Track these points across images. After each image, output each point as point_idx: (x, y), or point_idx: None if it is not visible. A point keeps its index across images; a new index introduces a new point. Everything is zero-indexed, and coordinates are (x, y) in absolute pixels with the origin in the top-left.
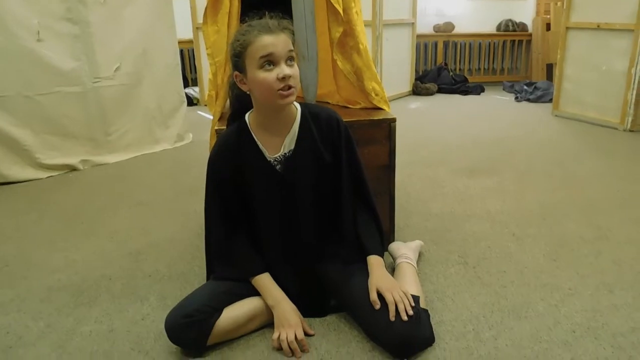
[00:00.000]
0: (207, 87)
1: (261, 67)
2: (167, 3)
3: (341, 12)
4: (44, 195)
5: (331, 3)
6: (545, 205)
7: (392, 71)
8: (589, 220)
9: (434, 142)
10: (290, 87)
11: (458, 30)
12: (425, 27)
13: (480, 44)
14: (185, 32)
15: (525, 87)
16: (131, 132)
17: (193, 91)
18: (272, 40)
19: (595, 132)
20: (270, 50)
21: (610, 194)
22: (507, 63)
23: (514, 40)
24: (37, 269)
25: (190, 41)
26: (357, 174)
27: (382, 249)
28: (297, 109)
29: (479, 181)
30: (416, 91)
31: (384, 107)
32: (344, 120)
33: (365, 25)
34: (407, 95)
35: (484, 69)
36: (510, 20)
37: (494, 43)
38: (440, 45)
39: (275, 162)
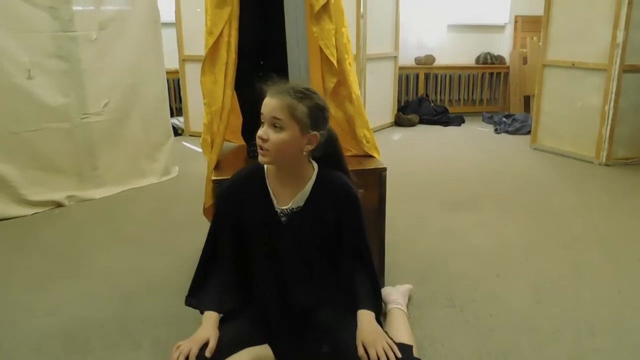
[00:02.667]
0: (202, 130)
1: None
2: (156, 37)
3: (335, 63)
4: (29, 233)
5: (325, 55)
6: (527, 241)
7: (375, 103)
8: (569, 256)
9: (418, 174)
10: (262, 149)
11: (439, 62)
12: (407, 59)
13: (460, 75)
14: (171, 62)
15: (504, 119)
16: (118, 166)
17: (178, 121)
18: (266, 101)
19: (571, 166)
20: (262, 111)
21: (587, 229)
22: (486, 94)
23: (492, 73)
24: (25, 312)
25: (176, 71)
26: (361, 240)
27: (375, 305)
28: (314, 169)
29: (463, 216)
30: (399, 122)
31: (375, 154)
32: None
33: None
34: (389, 126)
35: (464, 99)
36: (489, 53)
37: (473, 75)
38: (422, 77)
39: (282, 214)
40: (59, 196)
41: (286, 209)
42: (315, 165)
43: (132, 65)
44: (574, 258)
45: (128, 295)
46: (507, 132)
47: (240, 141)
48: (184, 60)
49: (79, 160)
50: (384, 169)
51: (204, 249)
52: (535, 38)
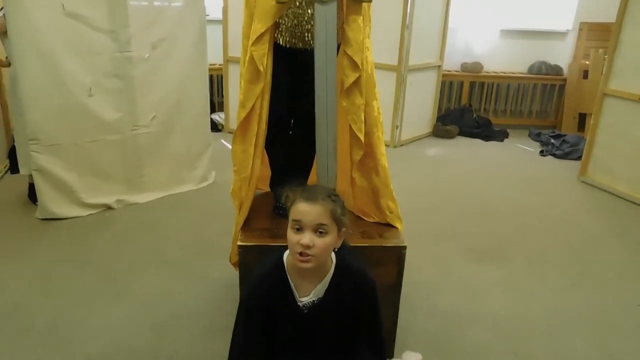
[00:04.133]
0: (234, 175)
1: (292, 226)
2: (201, 57)
3: (362, 138)
4: (84, 237)
5: (353, 130)
6: (554, 311)
7: (413, 113)
8: (600, 341)
9: (446, 205)
10: (307, 255)
11: (487, 69)
12: (452, 64)
13: (509, 85)
14: (216, 57)
15: (552, 140)
16: (161, 173)
17: (219, 117)
18: (306, 208)
19: (624, 211)
20: (299, 218)
21: (630, 306)
22: (536, 106)
23: (546, 84)
24: (80, 331)
25: (220, 68)
26: (375, 321)
27: None
28: (332, 260)
29: (488, 270)
30: (436, 133)
31: (397, 224)
32: (354, 245)
33: (389, 70)
34: (426, 137)
35: (511, 110)
36: (545, 62)
37: (524, 85)
38: (467, 85)
39: (304, 307)
40: (109, 200)
41: (307, 302)
42: (333, 255)
43: (179, 82)
44: (604, 344)
45: (160, 325)
46: (555, 155)
47: (267, 188)
48: (227, 61)
49: (128, 168)
50: (404, 247)
51: (232, 344)
52: (601, 50)
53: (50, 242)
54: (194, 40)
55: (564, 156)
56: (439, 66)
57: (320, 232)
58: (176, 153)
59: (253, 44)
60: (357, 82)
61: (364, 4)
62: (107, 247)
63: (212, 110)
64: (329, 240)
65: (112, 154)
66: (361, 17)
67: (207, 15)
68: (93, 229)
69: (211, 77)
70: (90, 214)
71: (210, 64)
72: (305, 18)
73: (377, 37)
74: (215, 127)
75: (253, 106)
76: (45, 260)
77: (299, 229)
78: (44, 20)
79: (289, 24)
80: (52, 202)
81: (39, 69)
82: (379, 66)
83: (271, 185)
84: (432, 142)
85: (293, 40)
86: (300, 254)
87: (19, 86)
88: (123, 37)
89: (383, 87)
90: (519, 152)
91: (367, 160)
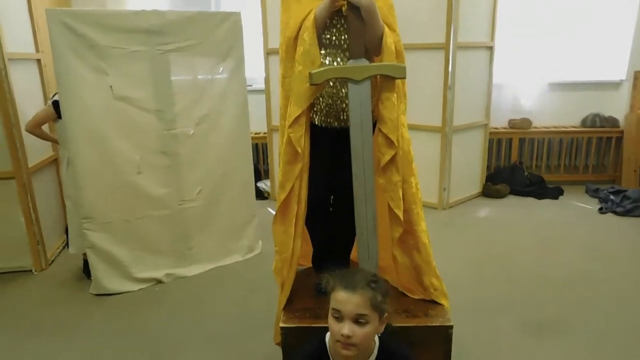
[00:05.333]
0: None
1: (332, 314)
2: (244, 129)
3: (401, 215)
4: (136, 312)
5: (391, 208)
6: None
7: (461, 174)
8: None
9: (498, 273)
10: (348, 344)
11: (536, 124)
12: (500, 121)
13: (561, 140)
14: (260, 126)
15: (612, 197)
16: (208, 246)
17: (265, 185)
18: (345, 297)
19: None
20: (339, 307)
21: None
22: (592, 160)
23: (601, 137)
24: None
25: (265, 136)
26: None
27: None
28: (375, 342)
29: (546, 346)
30: (486, 193)
31: (443, 301)
32: (398, 325)
33: (433, 132)
34: (476, 197)
35: (565, 165)
36: (598, 114)
37: (578, 139)
38: (516, 142)
39: None
40: (159, 274)
41: None
42: (376, 338)
43: (223, 155)
44: None
45: None
46: (615, 212)
47: (310, 264)
48: (271, 129)
49: (176, 242)
50: (451, 327)
51: None
52: None
53: (103, 318)
54: (236, 113)
55: (626, 213)
56: (486, 125)
57: (360, 322)
58: (222, 225)
59: (290, 126)
60: (393, 160)
61: (398, 81)
62: (156, 322)
63: (258, 179)
64: (370, 329)
65: (161, 228)
66: (395, 95)
67: (250, 85)
68: (143, 304)
69: (256, 146)
70: (141, 288)
71: (255, 133)
72: (340, 97)
73: (419, 99)
74: (261, 194)
75: (292, 187)
76: (97, 337)
77: (339, 318)
78: (95, 104)
79: (324, 104)
80: (105, 277)
81: (91, 150)
82: (422, 128)
83: (313, 262)
84: (482, 202)
85: (329, 120)
86: (343, 342)
87: (73, 168)
88: (169, 116)
89: (428, 149)
90: (575, 210)
91: (407, 238)
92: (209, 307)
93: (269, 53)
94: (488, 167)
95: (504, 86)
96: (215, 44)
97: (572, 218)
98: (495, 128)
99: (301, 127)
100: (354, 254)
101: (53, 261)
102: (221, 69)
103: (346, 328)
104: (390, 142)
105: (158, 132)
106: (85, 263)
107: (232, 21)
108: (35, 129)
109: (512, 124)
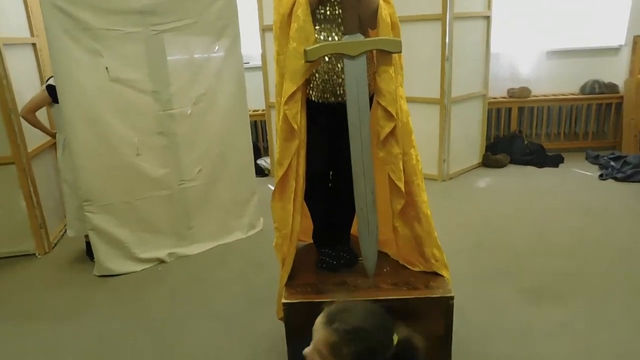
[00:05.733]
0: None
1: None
2: (242, 107)
3: (402, 187)
4: (139, 293)
5: (392, 180)
6: (621, 357)
7: (460, 145)
8: None
9: (499, 241)
10: None
11: (535, 93)
12: (498, 91)
13: (560, 108)
14: (258, 103)
15: (612, 163)
16: (209, 224)
17: (265, 162)
18: (317, 324)
19: None
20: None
21: None
22: (592, 127)
23: (601, 104)
24: None
25: (263, 114)
26: None
27: None
28: None
29: (547, 312)
30: (486, 163)
31: (444, 272)
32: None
33: (432, 104)
34: (476, 167)
35: (564, 133)
36: (597, 81)
37: (577, 107)
38: (515, 111)
39: None
40: (161, 254)
41: None
42: None
43: (221, 134)
44: None
45: None
46: (616, 178)
47: (310, 240)
48: (269, 106)
49: (177, 222)
50: (451, 298)
51: None
52: None
53: (106, 299)
54: (233, 91)
55: (626, 179)
56: (484, 95)
57: (320, 356)
58: (223, 203)
59: (285, 102)
60: (393, 132)
61: (395, 54)
62: (160, 302)
63: (258, 156)
64: None
65: (162, 209)
66: (392, 67)
67: (247, 63)
68: (147, 284)
69: (255, 123)
70: (144, 268)
71: (254, 110)
72: (336, 72)
73: (417, 71)
74: (261, 172)
75: (290, 164)
76: (101, 318)
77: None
78: (91, 87)
79: (320, 80)
80: (108, 259)
81: (88, 132)
82: (421, 100)
83: (314, 237)
84: (482, 172)
85: (325, 95)
86: None
87: (70, 150)
88: (165, 96)
89: (427, 121)
90: (575, 177)
91: (409, 209)
92: (212, 285)
93: (264, 30)
94: (487, 137)
95: (502, 55)
96: (210, 23)
97: (572, 186)
98: (494, 98)
99: (297, 103)
100: (354, 229)
101: (56, 244)
102: (217, 47)
103: (309, 349)
104: (389, 115)
105: (155, 113)
106: (88, 245)
107: None
108: (28, 114)
109: (511, 93)
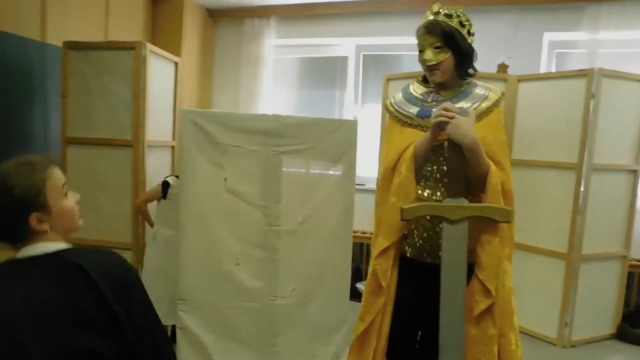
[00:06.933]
0: None
1: None
2: (347, 231)
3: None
4: None
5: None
6: None
7: (588, 309)
8: None
9: None
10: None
11: None
12: None
13: None
14: (367, 225)
15: None
16: (294, 346)
17: (363, 286)
18: None
19: None
20: None
21: None
22: None
23: None
24: None
25: (370, 237)
26: None
27: None
28: None
29: None
30: (621, 336)
31: None
32: None
33: (557, 258)
34: (607, 339)
35: None
36: None
37: None
38: None
39: None
40: None
41: None
42: None
43: (322, 255)
44: None
45: None
46: None
47: None
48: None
49: (262, 337)
50: None
51: None
52: None
53: None
54: (341, 215)
55: None
56: (624, 256)
57: None
58: (311, 326)
59: (376, 257)
60: (489, 310)
61: (502, 223)
62: None
63: (359, 279)
64: None
65: (249, 320)
66: (497, 239)
67: (363, 184)
68: None
69: (361, 245)
70: None
71: (362, 232)
72: (437, 233)
73: (543, 220)
74: (358, 295)
75: (373, 321)
76: None
77: None
78: (208, 194)
79: (419, 237)
80: (187, 359)
81: (198, 236)
82: (545, 252)
83: None
84: (616, 347)
85: (423, 254)
86: None
87: (178, 249)
88: (274, 212)
89: (549, 276)
90: None
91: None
92: None
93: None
94: (626, 305)
95: None
96: (329, 148)
97: None
98: (638, 260)
99: (388, 259)
100: None
101: None
102: (331, 172)
103: None
104: (486, 290)
105: (261, 227)
106: (173, 334)
107: (347, 128)
108: (143, 204)
109: None
